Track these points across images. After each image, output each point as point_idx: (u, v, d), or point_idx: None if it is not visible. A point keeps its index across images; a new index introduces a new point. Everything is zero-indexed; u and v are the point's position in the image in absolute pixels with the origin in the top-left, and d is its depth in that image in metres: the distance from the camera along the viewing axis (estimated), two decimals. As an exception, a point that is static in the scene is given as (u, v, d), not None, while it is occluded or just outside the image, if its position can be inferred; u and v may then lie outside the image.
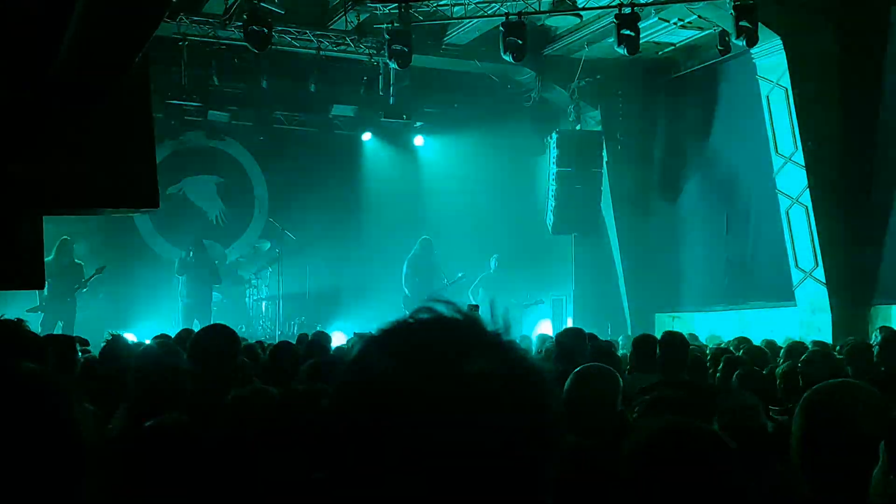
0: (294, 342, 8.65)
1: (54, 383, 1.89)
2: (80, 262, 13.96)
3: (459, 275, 16.66)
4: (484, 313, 1.14)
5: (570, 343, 6.07)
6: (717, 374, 6.57)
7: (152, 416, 3.88)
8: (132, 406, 4.02)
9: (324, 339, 8.16)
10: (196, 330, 8.56)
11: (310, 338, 8.08)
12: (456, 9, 14.16)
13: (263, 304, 16.78)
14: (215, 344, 4.40)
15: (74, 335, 7.63)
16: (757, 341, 9.82)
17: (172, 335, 7.97)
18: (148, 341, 7.77)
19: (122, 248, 15.10)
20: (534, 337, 12.40)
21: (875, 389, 2.47)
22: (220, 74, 15.12)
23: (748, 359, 7.23)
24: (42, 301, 13.32)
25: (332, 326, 15.84)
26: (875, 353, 6.88)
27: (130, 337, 11.45)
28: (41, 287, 4.22)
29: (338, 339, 13.92)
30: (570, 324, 16.34)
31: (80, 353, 7.02)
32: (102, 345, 6.20)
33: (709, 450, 2.28)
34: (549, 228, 16.51)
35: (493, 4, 14.08)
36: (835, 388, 2.48)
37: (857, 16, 12.89)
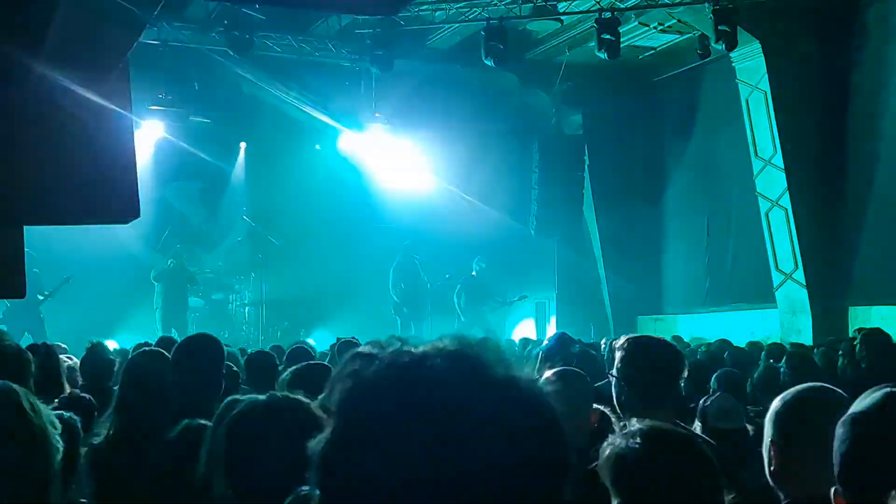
0: (276, 349, 8.63)
1: (23, 396, 1.90)
2: (36, 270, 13.72)
3: (447, 276, 16.68)
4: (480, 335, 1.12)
5: (558, 348, 6.10)
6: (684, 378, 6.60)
7: (139, 425, 3.88)
8: (119, 414, 4.01)
9: (306, 349, 8.14)
10: (174, 337, 8.54)
11: (292, 347, 8.06)
12: (437, 13, 14.20)
13: (246, 309, 16.73)
14: (200, 353, 4.39)
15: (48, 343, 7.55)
16: (738, 343, 9.88)
17: (150, 342, 7.93)
18: (130, 349, 7.73)
19: (101, 253, 14.99)
20: (516, 339, 12.45)
21: (843, 393, 2.49)
22: (202, 80, 15.07)
23: (730, 361, 7.29)
24: (2, 315, 13.19)
25: (315, 331, 15.84)
26: (856, 352, 6.95)
27: (112, 344, 11.39)
28: (22, 297, 4.21)
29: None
30: (552, 325, 16.43)
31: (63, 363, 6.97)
32: (83, 353, 6.17)
33: (689, 453, 2.32)
34: (532, 231, 16.56)
35: (475, 9, 14.12)
36: (801, 395, 2.50)
37: (836, 20, 13.01)
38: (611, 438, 2.36)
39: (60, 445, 2.02)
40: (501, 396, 1.02)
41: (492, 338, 8.50)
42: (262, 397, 2.48)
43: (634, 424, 2.41)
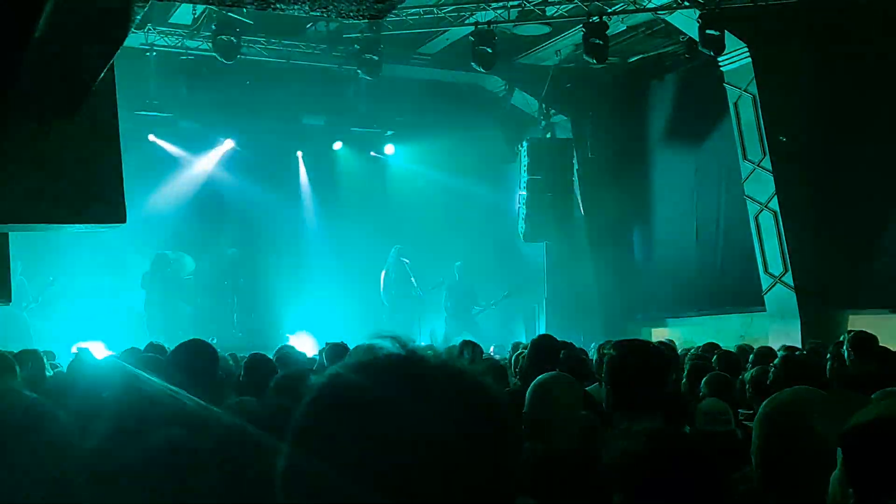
0: (267, 354, 8.59)
1: (45, 406, 1.96)
2: (22, 277, 13.64)
3: (439, 280, 16.67)
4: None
5: (541, 352, 6.08)
6: (684, 381, 6.62)
7: (135, 430, 3.86)
8: (112, 419, 3.98)
9: (293, 353, 8.12)
10: (162, 343, 8.50)
11: (281, 351, 8.03)
12: (426, 18, 14.20)
13: (235, 314, 16.65)
14: (193, 360, 4.38)
15: (37, 350, 7.53)
16: (727, 346, 9.88)
17: (139, 348, 7.90)
18: (118, 354, 7.69)
19: (88, 259, 14.91)
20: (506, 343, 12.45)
21: (830, 396, 2.49)
22: (190, 85, 15.03)
23: (719, 365, 7.29)
24: None
25: (304, 335, 15.79)
26: (845, 356, 6.97)
27: (99, 346, 11.33)
28: (8, 302, 4.19)
29: (305, 342, 13.91)
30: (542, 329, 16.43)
31: (49, 369, 6.95)
32: (70, 359, 6.15)
33: (685, 456, 2.32)
34: (521, 236, 16.57)
35: (463, 14, 14.13)
36: (790, 397, 2.50)
37: (823, 22, 13.06)
38: (618, 438, 2.38)
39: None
40: (441, 394, 1.05)
41: (475, 341, 8.53)
42: (253, 401, 2.47)
43: (631, 427, 2.42)
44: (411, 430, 1.01)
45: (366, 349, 1.11)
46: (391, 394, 1.03)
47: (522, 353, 7.97)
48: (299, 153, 17.94)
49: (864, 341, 6.81)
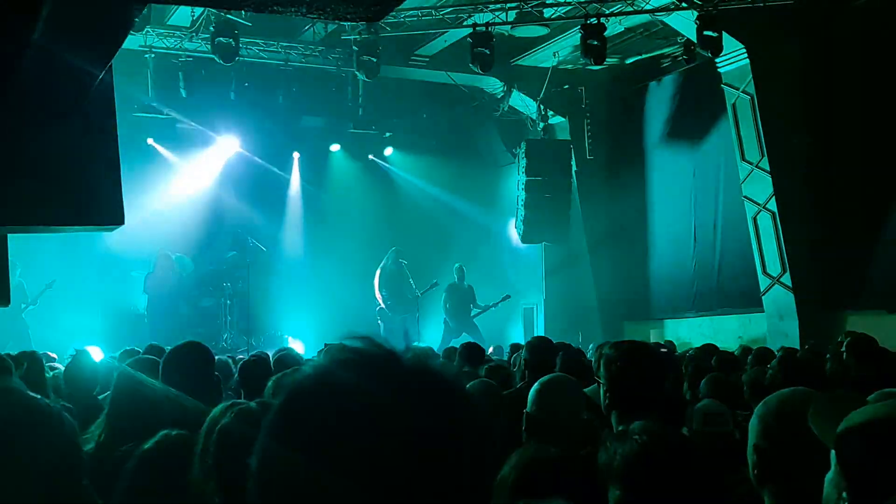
0: (265, 355, 8.58)
1: (49, 405, 1.98)
2: (20, 279, 13.62)
3: (434, 282, 16.68)
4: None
5: (538, 353, 6.08)
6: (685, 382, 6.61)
7: (133, 432, 3.86)
8: (111, 421, 3.98)
9: (292, 355, 8.11)
10: (161, 344, 8.49)
11: (279, 353, 8.02)
12: (424, 19, 14.21)
13: (234, 316, 16.66)
14: (189, 361, 4.37)
15: (36, 351, 7.52)
16: (726, 347, 9.88)
17: (137, 349, 7.90)
18: (117, 356, 7.69)
19: (87, 260, 14.91)
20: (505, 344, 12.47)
21: (822, 395, 2.50)
22: (188, 86, 15.04)
23: (718, 366, 7.29)
24: None
25: (302, 338, 15.80)
26: (843, 357, 6.97)
27: (96, 350, 11.29)
28: (7, 304, 4.18)
29: (299, 348, 13.89)
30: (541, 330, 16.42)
31: (48, 370, 6.94)
32: (67, 361, 6.15)
33: (682, 456, 2.33)
34: (519, 237, 16.57)
35: (461, 15, 14.15)
36: (786, 398, 2.50)
37: (820, 23, 13.08)
38: (615, 438, 2.38)
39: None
40: (414, 392, 1.06)
41: (479, 342, 8.54)
42: (252, 404, 2.47)
43: (632, 426, 2.43)
44: (384, 426, 1.02)
45: (338, 349, 1.12)
46: (364, 390, 1.04)
47: (521, 354, 7.97)
48: (295, 154, 17.93)
49: (863, 343, 6.81)
